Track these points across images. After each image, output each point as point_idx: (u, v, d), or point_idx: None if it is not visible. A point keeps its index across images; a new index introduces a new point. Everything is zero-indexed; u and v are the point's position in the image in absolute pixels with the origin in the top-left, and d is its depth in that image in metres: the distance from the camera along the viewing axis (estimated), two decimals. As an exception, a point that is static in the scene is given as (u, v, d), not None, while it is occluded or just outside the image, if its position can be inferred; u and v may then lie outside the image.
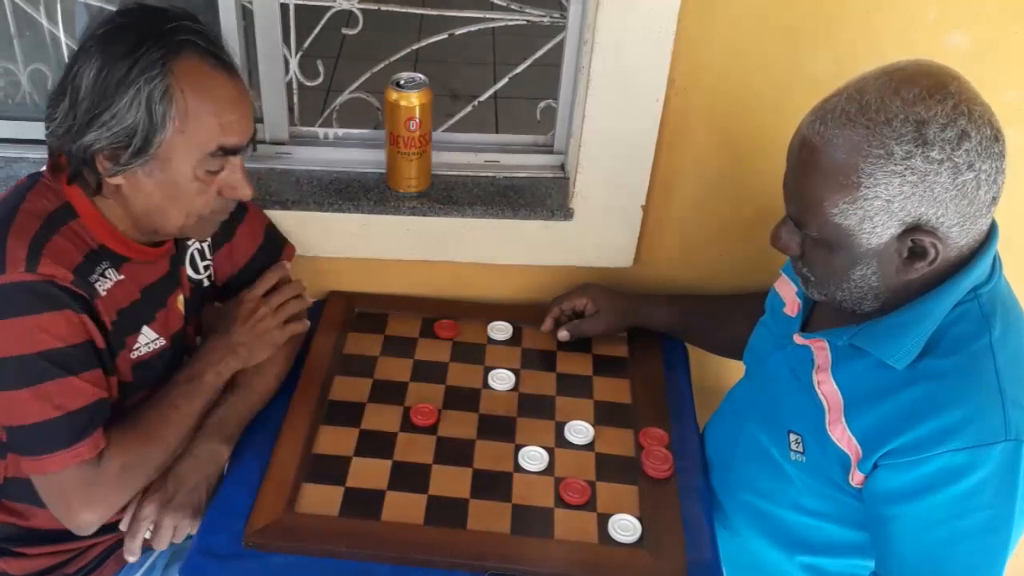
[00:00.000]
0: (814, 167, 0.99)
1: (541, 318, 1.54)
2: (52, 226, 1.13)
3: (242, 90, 1.16)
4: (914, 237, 0.97)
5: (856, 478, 1.08)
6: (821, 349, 1.13)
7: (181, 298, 1.32)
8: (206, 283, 1.39)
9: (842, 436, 1.08)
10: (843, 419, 1.08)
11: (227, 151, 1.15)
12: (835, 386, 1.10)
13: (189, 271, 1.34)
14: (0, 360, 1.10)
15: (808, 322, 1.20)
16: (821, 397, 1.11)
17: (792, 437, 1.16)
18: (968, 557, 1.02)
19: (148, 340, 1.26)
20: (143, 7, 1.13)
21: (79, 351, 1.13)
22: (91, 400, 1.15)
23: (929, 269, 1.00)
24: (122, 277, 1.20)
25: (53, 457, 1.13)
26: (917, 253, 0.99)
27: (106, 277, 1.18)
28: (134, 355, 1.25)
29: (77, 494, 1.16)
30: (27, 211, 1.13)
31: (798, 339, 1.16)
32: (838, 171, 0.97)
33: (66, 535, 1.24)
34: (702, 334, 1.51)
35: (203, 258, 1.38)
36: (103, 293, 1.17)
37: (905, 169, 0.94)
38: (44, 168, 1.20)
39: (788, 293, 1.24)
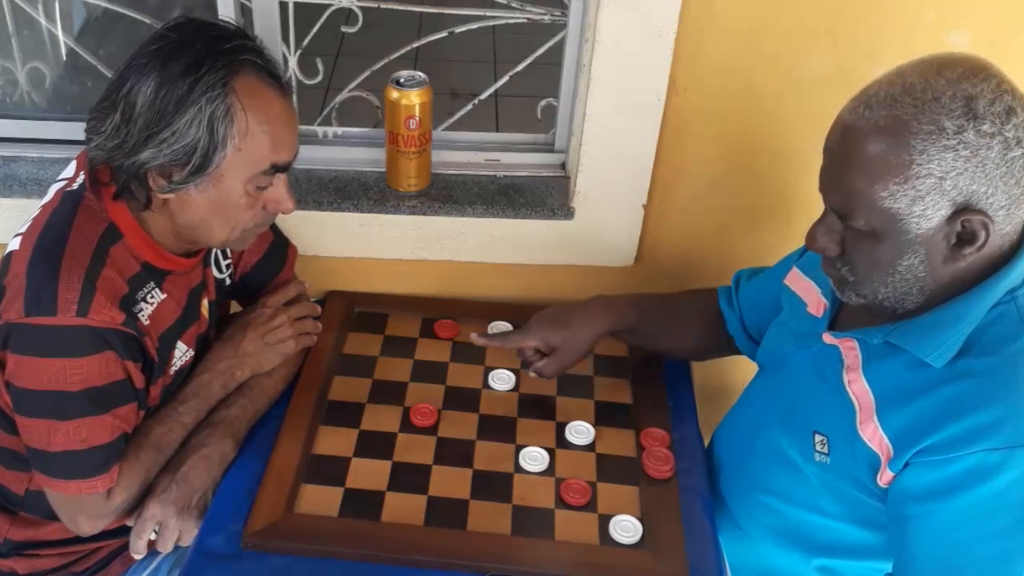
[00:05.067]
0: (861, 152, 0.98)
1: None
2: (102, 255, 1.13)
3: (292, 107, 1.17)
4: (964, 219, 0.96)
5: (885, 477, 1.07)
6: (851, 349, 1.11)
7: (206, 302, 1.32)
8: (228, 282, 1.39)
9: (874, 435, 1.07)
10: (875, 418, 1.07)
11: (278, 168, 1.16)
12: (866, 385, 1.09)
13: (213, 271, 1.35)
14: (37, 392, 1.12)
15: (834, 321, 1.19)
16: (852, 397, 1.10)
17: (817, 438, 1.14)
18: (991, 558, 1.01)
19: (180, 353, 1.27)
20: (194, 23, 1.12)
21: (115, 388, 1.15)
22: (116, 436, 1.17)
23: (976, 256, 0.99)
24: (164, 296, 1.21)
25: (69, 483, 1.16)
26: (965, 239, 0.98)
27: (149, 302, 1.19)
28: (171, 370, 1.26)
29: (83, 514, 1.20)
30: (76, 241, 1.12)
31: (828, 339, 1.14)
32: (888, 152, 0.96)
33: (75, 539, 1.26)
34: (661, 334, 1.44)
35: (225, 257, 1.38)
36: (147, 322, 1.18)
37: (958, 143, 0.93)
38: (71, 176, 1.19)
39: (810, 292, 1.23)
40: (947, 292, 1.04)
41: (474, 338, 1.40)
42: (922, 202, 0.96)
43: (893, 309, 1.07)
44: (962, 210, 0.96)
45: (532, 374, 1.40)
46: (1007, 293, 1.03)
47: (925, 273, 1.02)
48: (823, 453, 1.14)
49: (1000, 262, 1.02)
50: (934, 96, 0.94)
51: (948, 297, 1.04)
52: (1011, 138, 0.94)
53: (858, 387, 1.10)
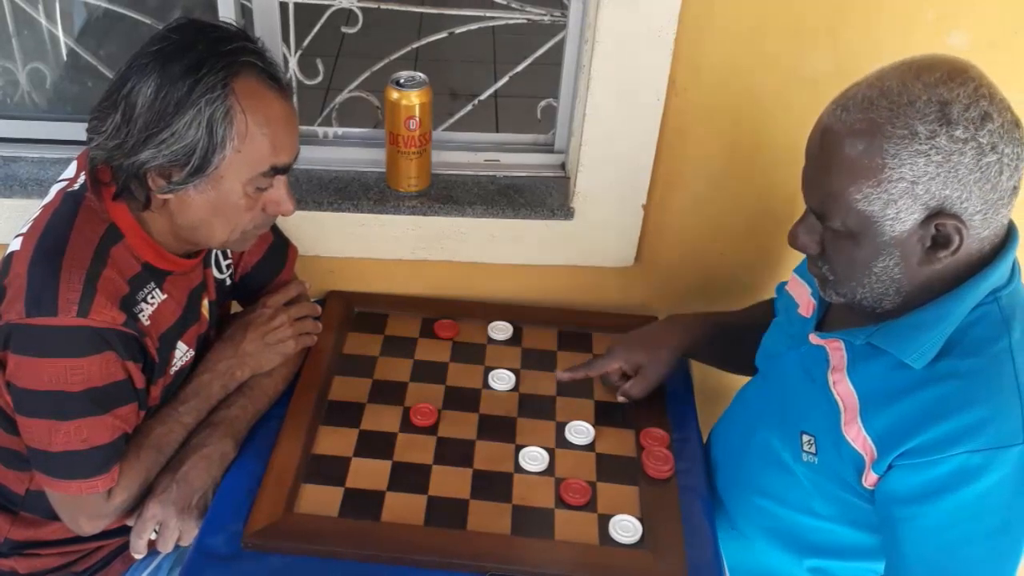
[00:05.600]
0: (838, 154, 0.98)
1: (541, 318, 1.54)
2: (103, 256, 1.13)
3: (292, 109, 1.18)
4: (938, 223, 0.97)
5: (870, 479, 1.07)
6: (837, 349, 1.12)
7: (206, 302, 1.32)
8: (228, 282, 1.40)
9: (857, 436, 1.07)
10: (859, 419, 1.07)
11: (277, 170, 1.16)
12: (851, 386, 1.09)
13: (214, 271, 1.35)
14: (38, 392, 1.12)
15: (823, 322, 1.19)
16: (837, 397, 1.10)
17: (805, 438, 1.15)
18: (980, 560, 1.02)
19: (181, 354, 1.27)
20: (195, 24, 1.13)
21: (115, 388, 1.15)
22: (116, 436, 1.17)
23: (952, 259, 0.99)
24: (165, 296, 1.21)
25: (70, 484, 1.16)
26: (940, 242, 0.98)
27: (149, 302, 1.19)
28: (172, 370, 1.26)
29: (84, 514, 1.20)
30: (77, 242, 1.12)
31: (814, 339, 1.15)
32: (862, 155, 0.96)
33: (75, 539, 1.27)
34: (737, 348, 1.42)
35: (225, 257, 1.38)
36: (147, 322, 1.18)
37: (930, 148, 0.93)
38: (72, 177, 1.19)
39: (802, 294, 1.23)
40: (925, 293, 1.04)
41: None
42: (895, 205, 0.96)
43: (872, 308, 1.07)
44: (936, 214, 0.96)
45: (620, 397, 1.40)
46: (990, 294, 1.03)
47: (900, 275, 1.02)
48: (811, 453, 1.14)
49: (980, 264, 1.02)
50: (909, 100, 0.95)
51: (927, 298, 1.04)
52: (985, 144, 0.93)
53: (843, 388, 1.10)
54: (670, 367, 1.41)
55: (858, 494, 1.10)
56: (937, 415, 1.01)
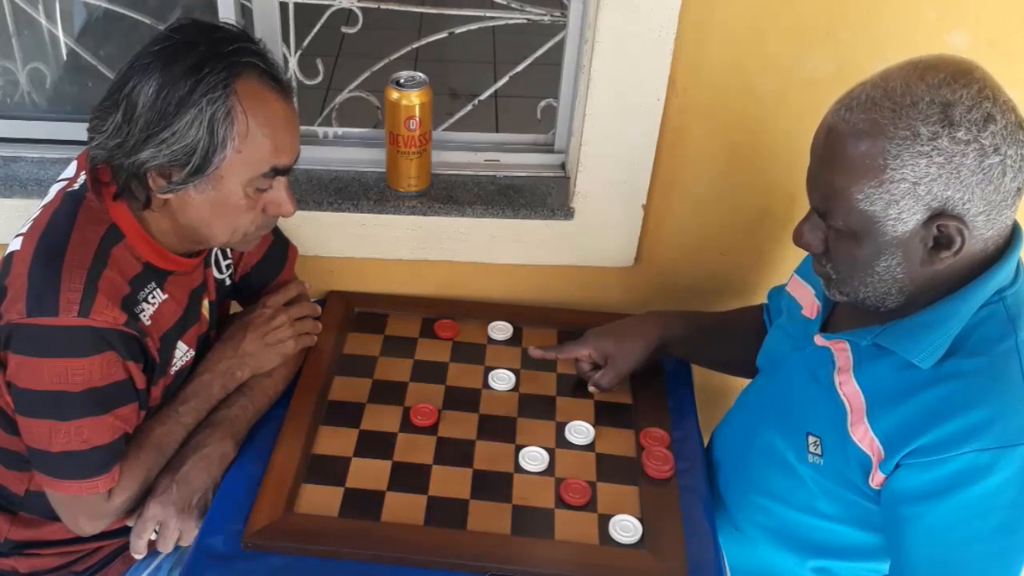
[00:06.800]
0: (841, 153, 0.99)
1: (541, 318, 1.54)
2: (104, 256, 1.13)
3: (294, 111, 1.18)
4: (940, 224, 0.97)
5: (877, 479, 1.07)
6: (842, 350, 1.12)
7: (206, 302, 1.32)
8: (228, 282, 1.40)
9: (864, 437, 1.07)
10: (866, 420, 1.07)
11: (278, 171, 1.16)
12: (857, 387, 1.10)
13: (213, 271, 1.35)
14: (39, 393, 1.12)
15: (827, 323, 1.19)
16: (843, 398, 1.10)
17: (811, 439, 1.15)
18: (985, 559, 1.02)
19: (181, 354, 1.27)
20: (197, 25, 1.13)
21: (116, 388, 1.15)
22: (117, 436, 1.17)
23: (954, 259, 0.99)
24: (165, 296, 1.21)
25: (70, 484, 1.16)
26: (942, 243, 0.99)
27: (150, 302, 1.19)
28: (172, 370, 1.26)
29: (84, 514, 1.21)
30: (78, 242, 1.12)
31: (819, 340, 1.15)
32: (864, 155, 0.97)
33: (75, 539, 1.28)
34: (716, 347, 1.46)
35: (225, 257, 1.38)
36: (148, 322, 1.18)
37: (932, 150, 0.94)
38: (72, 177, 1.19)
39: (805, 295, 1.23)
40: (929, 293, 1.04)
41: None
42: (897, 206, 0.97)
43: (876, 308, 1.07)
44: (937, 215, 0.97)
45: (592, 388, 1.41)
46: (995, 293, 1.03)
47: (903, 274, 1.02)
48: (816, 455, 1.14)
49: (985, 264, 1.02)
50: (912, 101, 0.95)
51: (931, 298, 1.04)
52: (988, 145, 0.94)
53: (849, 388, 1.10)
54: (641, 359, 1.41)
55: (864, 494, 1.11)
56: (944, 414, 1.01)
